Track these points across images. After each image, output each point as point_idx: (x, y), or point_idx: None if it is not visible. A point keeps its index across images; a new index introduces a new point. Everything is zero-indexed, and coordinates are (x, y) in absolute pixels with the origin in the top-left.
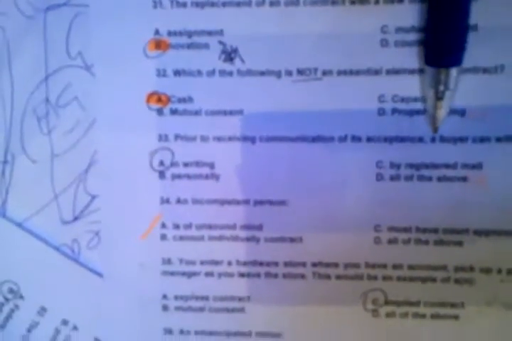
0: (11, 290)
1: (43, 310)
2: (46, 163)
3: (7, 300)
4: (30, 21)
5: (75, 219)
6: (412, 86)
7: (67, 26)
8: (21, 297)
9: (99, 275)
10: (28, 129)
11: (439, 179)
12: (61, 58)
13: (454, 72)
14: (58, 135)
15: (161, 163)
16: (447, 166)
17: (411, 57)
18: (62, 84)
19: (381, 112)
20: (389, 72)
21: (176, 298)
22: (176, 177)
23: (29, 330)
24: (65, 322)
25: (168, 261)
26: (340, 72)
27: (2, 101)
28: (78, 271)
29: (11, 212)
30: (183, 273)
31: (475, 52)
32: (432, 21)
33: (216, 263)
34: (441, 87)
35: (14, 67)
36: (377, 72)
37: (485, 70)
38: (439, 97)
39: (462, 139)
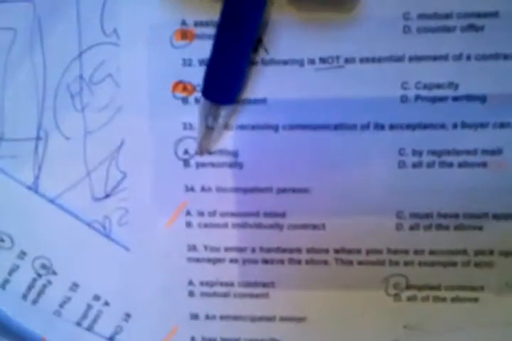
0: (43, 266)
1: (75, 286)
2: (79, 140)
3: (40, 275)
4: None
5: (107, 196)
6: (434, 72)
7: (101, 2)
8: (54, 272)
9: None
10: (61, 106)
11: (460, 165)
12: (96, 35)
13: (223, 110)
14: (92, 112)
15: (186, 152)
16: (468, 152)
17: (433, 44)
18: (97, 61)
19: (404, 99)
20: (411, 58)
21: (202, 283)
22: (200, 165)
23: (61, 306)
24: (96, 298)
25: (193, 248)
26: (362, 60)
27: (34, 77)
28: (109, 247)
29: (44, 189)
30: (208, 260)
31: (495, 39)
32: (213, 58)
33: (240, 250)
34: (210, 120)
35: (46, 43)
36: (399, 59)
37: (505, 57)
38: (208, 127)
39: (483, 125)
